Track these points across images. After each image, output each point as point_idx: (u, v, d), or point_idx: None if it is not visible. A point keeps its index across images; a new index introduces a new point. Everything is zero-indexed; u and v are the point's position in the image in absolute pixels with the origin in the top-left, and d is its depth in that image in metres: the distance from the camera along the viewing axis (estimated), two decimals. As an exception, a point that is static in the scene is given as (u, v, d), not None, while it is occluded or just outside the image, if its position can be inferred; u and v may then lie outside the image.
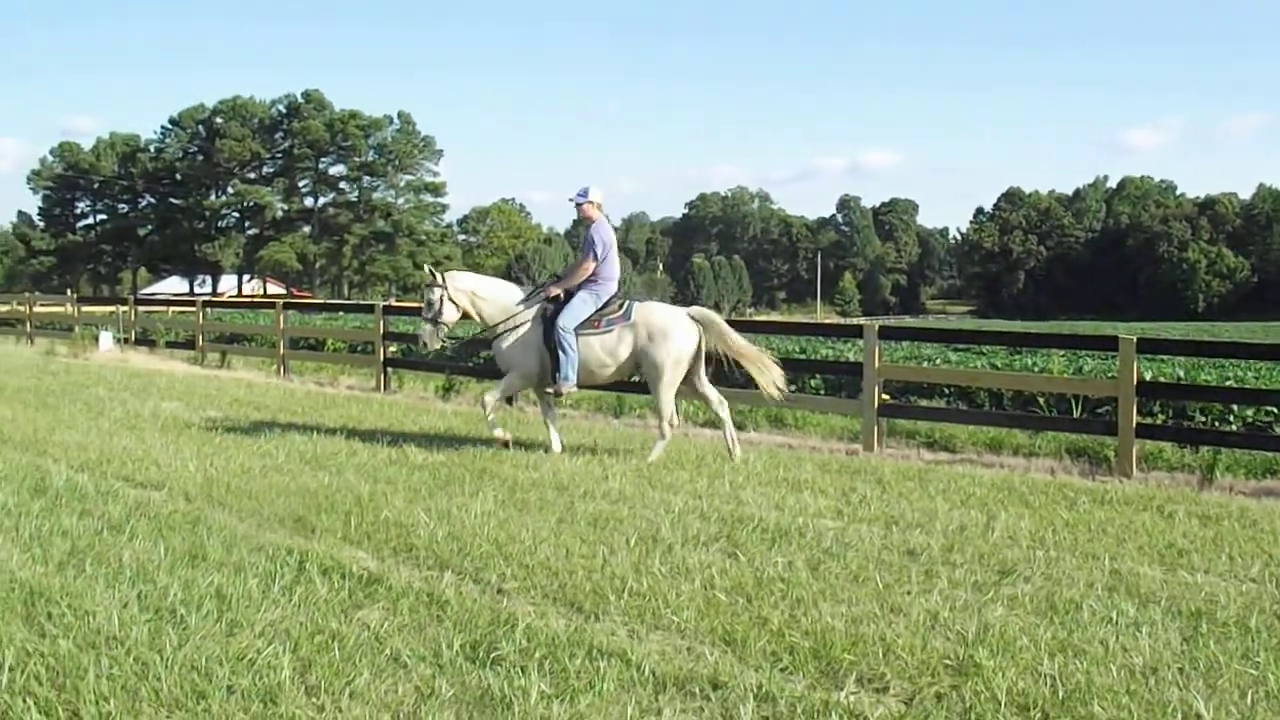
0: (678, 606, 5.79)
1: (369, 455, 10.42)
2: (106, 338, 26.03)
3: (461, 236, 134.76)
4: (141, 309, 29.43)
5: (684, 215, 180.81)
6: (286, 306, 22.45)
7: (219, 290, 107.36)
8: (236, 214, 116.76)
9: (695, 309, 11.65)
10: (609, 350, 11.09)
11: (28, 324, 31.61)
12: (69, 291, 45.39)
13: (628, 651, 5.13)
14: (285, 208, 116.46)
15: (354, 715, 4.43)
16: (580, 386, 11.39)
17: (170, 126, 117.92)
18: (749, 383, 11.48)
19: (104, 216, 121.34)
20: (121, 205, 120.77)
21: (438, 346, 11.84)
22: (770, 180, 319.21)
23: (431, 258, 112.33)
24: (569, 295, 11.13)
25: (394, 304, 23.20)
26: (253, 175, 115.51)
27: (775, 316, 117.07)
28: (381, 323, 18.29)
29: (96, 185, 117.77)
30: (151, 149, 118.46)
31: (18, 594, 5.83)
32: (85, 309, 31.76)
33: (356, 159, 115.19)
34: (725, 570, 6.49)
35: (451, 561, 6.66)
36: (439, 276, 11.42)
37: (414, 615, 5.68)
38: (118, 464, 9.77)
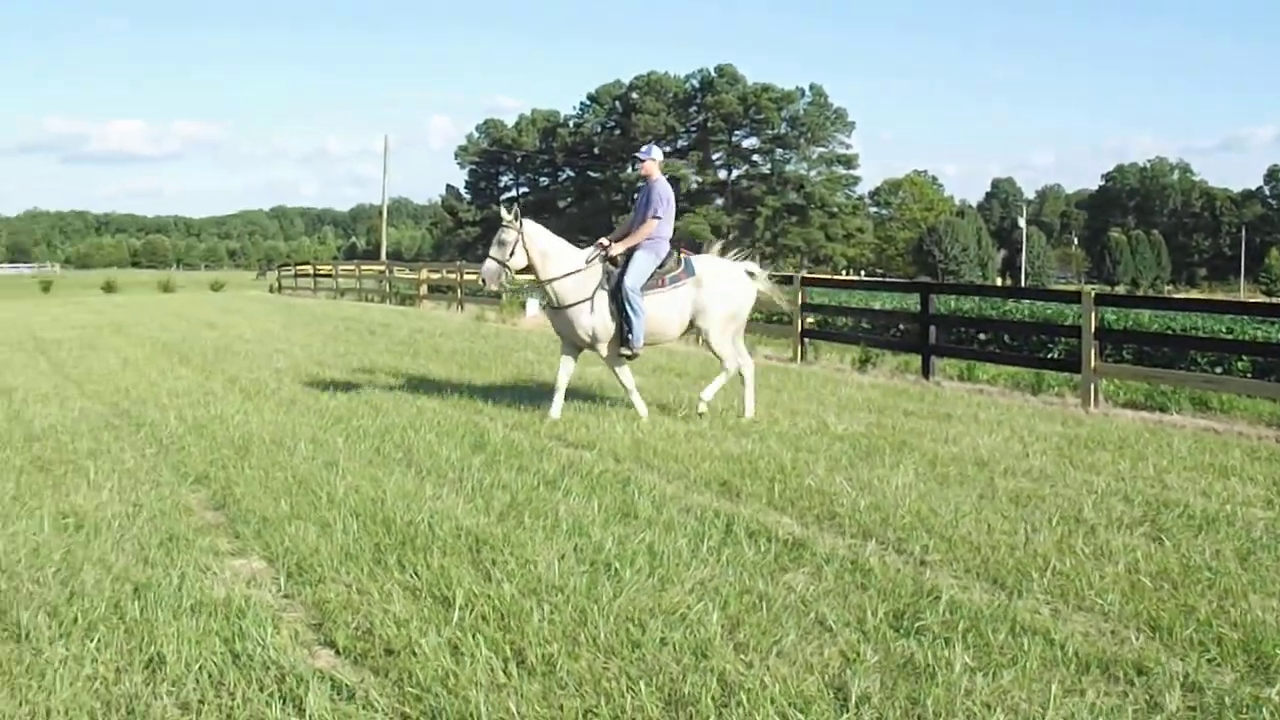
0: (1101, 589, 5.65)
1: (789, 424, 10.59)
2: (533, 304, 27.42)
3: (873, 209, 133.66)
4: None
5: (1100, 187, 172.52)
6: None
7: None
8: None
9: (750, 264, 12.09)
10: (677, 308, 11.28)
11: (458, 290, 33.70)
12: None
13: (1050, 630, 5.06)
14: (699, 180, 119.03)
15: (781, 674, 4.54)
16: (647, 345, 11.35)
17: (588, 102, 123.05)
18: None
19: (525, 189, 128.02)
20: (542, 178, 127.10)
21: (495, 289, 11.89)
22: (1192, 150, 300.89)
23: (843, 230, 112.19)
24: (629, 255, 11.17)
25: (810, 275, 23.29)
26: (668, 148, 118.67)
27: (1194, 294, 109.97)
28: (800, 294, 18.44)
29: (519, 159, 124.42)
30: (570, 124, 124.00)
31: (464, 540, 6.30)
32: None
33: (769, 131, 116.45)
34: (1150, 555, 6.28)
35: (874, 531, 6.71)
36: (519, 219, 11.16)
37: (839, 581, 5.76)
38: (549, 423, 10.36)
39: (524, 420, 10.58)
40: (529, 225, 11.15)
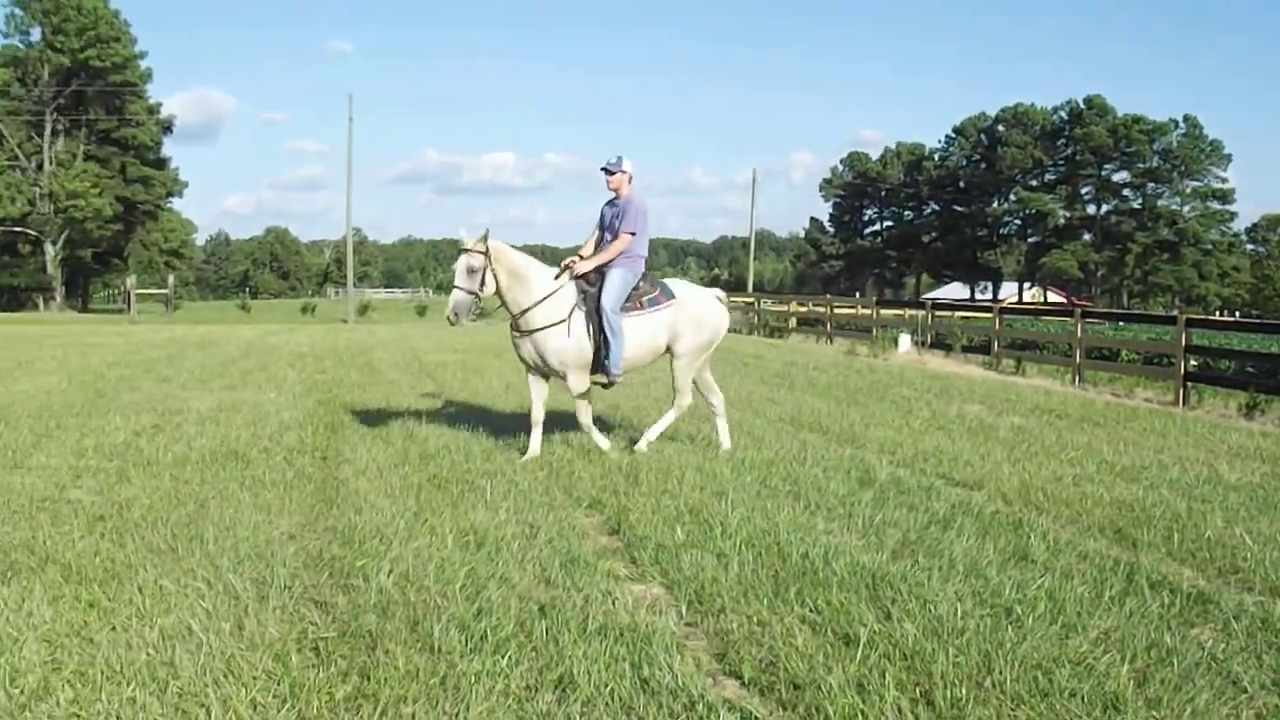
0: None
1: (1178, 471, 10.07)
2: (905, 340, 27.13)
3: (1249, 246, 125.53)
4: (935, 313, 30.33)
5: None
6: (1084, 315, 22.20)
7: (999, 297, 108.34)
8: (1018, 221, 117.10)
9: (718, 290, 11.31)
10: (654, 333, 10.56)
11: (827, 324, 33.68)
12: (857, 294, 47.84)
13: None
14: (1067, 215, 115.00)
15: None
16: (625, 372, 10.55)
17: (953, 135, 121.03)
18: None
19: (889, 223, 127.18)
20: (906, 212, 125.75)
21: (466, 322, 10.35)
22: None
23: (1218, 268, 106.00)
24: (603, 274, 10.36)
25: (1195, 316, 22.14)
26: (1034, 182, 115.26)
27: None
28: (1183, 335, 17.57)
29: (883, 193, 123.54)
30: (935, 157, 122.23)
31: (861, 577, 6.20)
32: (882, 312, 33.27)
33: (1140, 165, 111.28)
34: None
35: (1285, 588, 6.29)
36: (486, 242, 10.11)
37: (1249, 640, 5.45)
38: (933, 462, 10.17)
39: (907, 457, 10.41)
40: (496, 246, 10.21)
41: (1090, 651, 5.14)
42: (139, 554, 6.57)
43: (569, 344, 10.20)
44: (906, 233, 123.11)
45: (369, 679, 4.70)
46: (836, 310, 35.55)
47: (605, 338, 10.20)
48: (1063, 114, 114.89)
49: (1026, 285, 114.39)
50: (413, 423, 11.96)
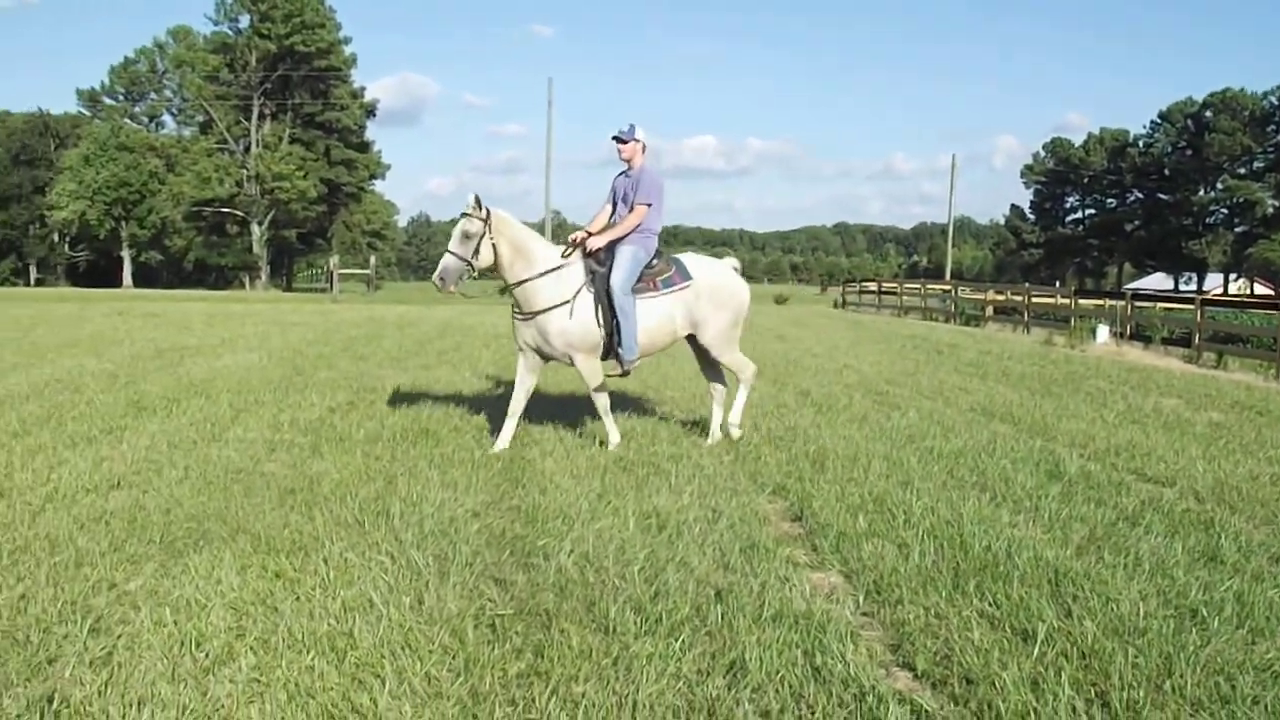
0: None
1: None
2: (1104, 331, 26.36)
3: None
4: (1135, 304, 29.35)
5: None
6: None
7: (1203, 288, 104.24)
8: (1225, 210, 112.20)
9: (732, 260, 10.67)
10: (670, 316, 9.87)
11: (1024, 314, 32.90)
12: (1057, 283, 46.67)
13: None
14: (1276, 204, 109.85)
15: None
16: (640, 357, 9.90)
17: (1159, 121, 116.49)
18: None
19: (1091, 211, 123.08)
20: (1109, 200, 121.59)
21: (453, 291, 9.32)
22: None
23: None
24: (613, 251, 9.67)
25: None
26: (1243, 170, 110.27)
27: None
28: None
29: (1085, 180, 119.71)
30: (1140, 144, 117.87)
31: (1043, 572, 6.04)
32: (1080, 301, 32.37)
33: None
34: None
35: None
36: (485, 208, 9.35)
37: None
38: (1125, 456, 9.83)
39: (1099, 451, 10.08)
40: (498, 215, 9.46)
41: (1278, 658, 4.90)
42: (326, 527, 6.77)
43: (572, 325, 9.49)
44: (1108, 221, 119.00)
45: (542, 656, 4.75)
46: (1034, 299, 34.65)
47: (618, 321, 9.54)
48: (1273, 99, 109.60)
49: (1232, 276, 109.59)
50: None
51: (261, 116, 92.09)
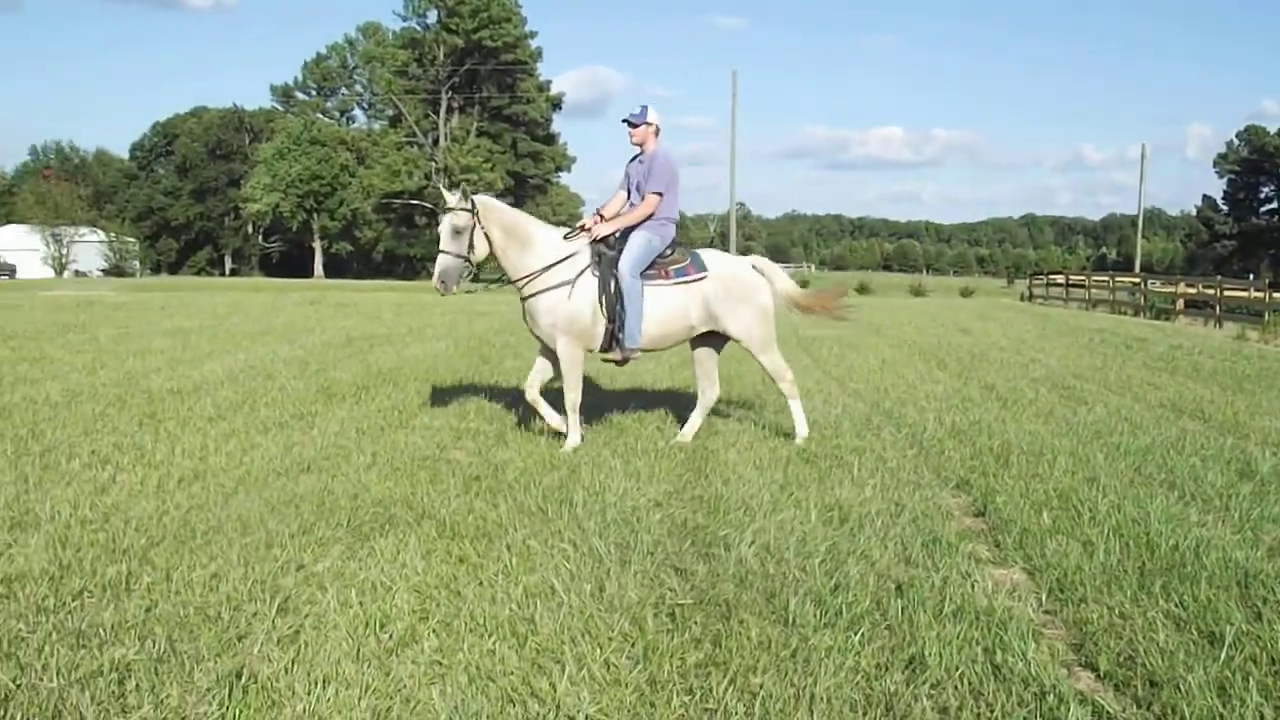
0: None
1: None
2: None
3: None
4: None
5: None
6: None
7: None
8: None
9: (754, 257, 9.98)
10: (682, 308, 9.25)
11: (1216, 307, 31.71)
12: (1251, 276, 44.83)
13: None
14: None
15: None
16: (644, 351, 9.41)
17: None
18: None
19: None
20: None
21: (454, 291, 8.87)
22: None
23: None
24: (625, 236, 9.15)
25: None
26: None
27: None
28: None
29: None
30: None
31: (1232, 574, 5.82)
32: (1274, 295, 31.10)
33: None
34: None
35: None
36: (470, 199, 8.83)
37: None
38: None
39: (1294, 448, 9.65)
40: (483, 202, 8.97)
41: None
42: (510, 514, 6.86)
43: (569, 308, 8.98)
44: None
45: (721, 646, 4.75)
46: (1227, 293, 33.34)
47: (622, 305, 9.01)
48: None
49: None
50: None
51: (449, 110, 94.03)
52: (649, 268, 9.17)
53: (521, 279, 9.07)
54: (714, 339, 9.72)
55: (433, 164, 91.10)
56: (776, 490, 7.58)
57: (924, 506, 7.26)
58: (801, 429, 9.63)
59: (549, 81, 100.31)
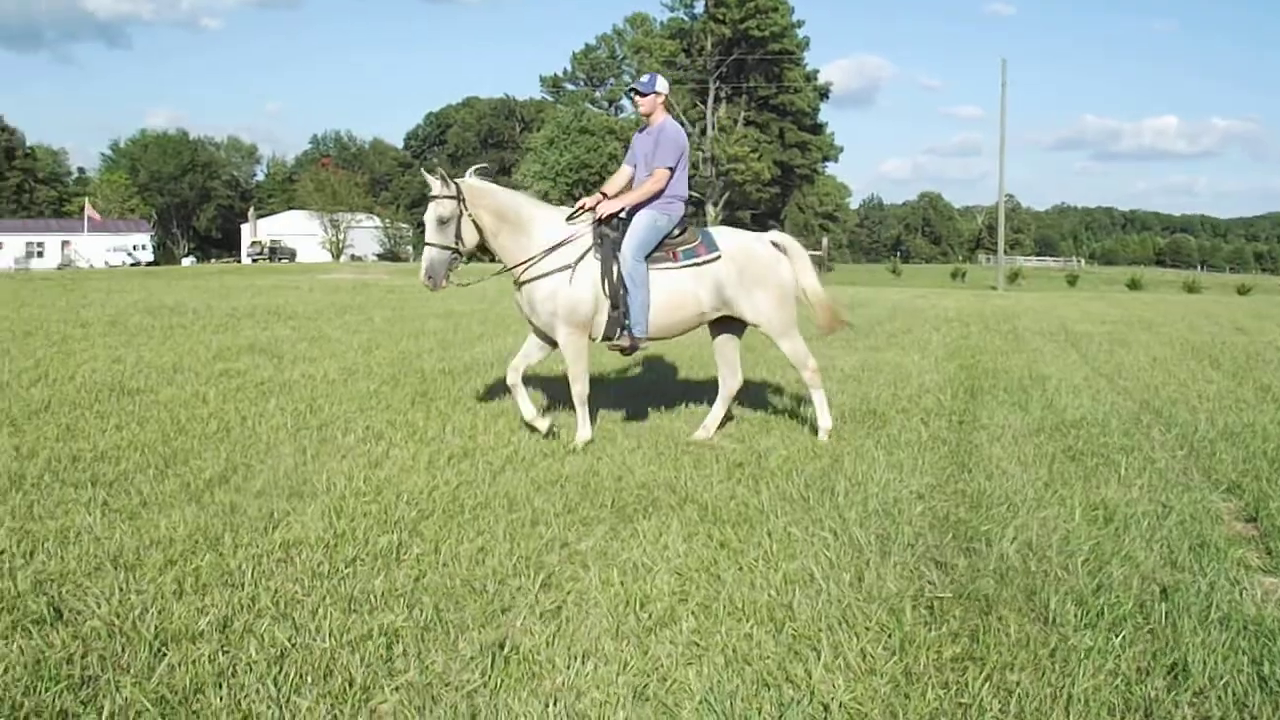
0: None
1: None
2: None
3: None
4: None
5: None
6: None
7: None
8: None
9: (772, 234, 9.14)
10: (692, 291, 8.52)
11: None
12: None
13: None
14: None
15: None
16: (652, 339, 8.63)
17: None
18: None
19: None
20: None
21: (445, 285, 8.14)
22: None
23: None
24: (629, 216, 8.41)
25: None
26: None
27: None
28: None
29: None
30: None
31: None
32: None
33: None
34: None
35: None
36: (452, 183, 8.03)
37: None
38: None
39: None
40: (470, 185, 8.23)
41: None
42: (771, 501, 6.86)
43: (568, 294, 8.27)
44: None
45: (978, 642, 4.65)
46: None
47: (626, 290, 8.31)
48: None
49: None
50: (1052, 391, 11.65)
51: (717, 100, 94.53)
52: (656, 249, 8.52)
53: (518, 265, 8.47)
54: (734, 323, 9.09)
55: (700, 153, 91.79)
56: (1040, 487, 7.37)
57: (1192, 509, 6.91)
58: (825, 421, 9.02)
59: (816, 71, 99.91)
